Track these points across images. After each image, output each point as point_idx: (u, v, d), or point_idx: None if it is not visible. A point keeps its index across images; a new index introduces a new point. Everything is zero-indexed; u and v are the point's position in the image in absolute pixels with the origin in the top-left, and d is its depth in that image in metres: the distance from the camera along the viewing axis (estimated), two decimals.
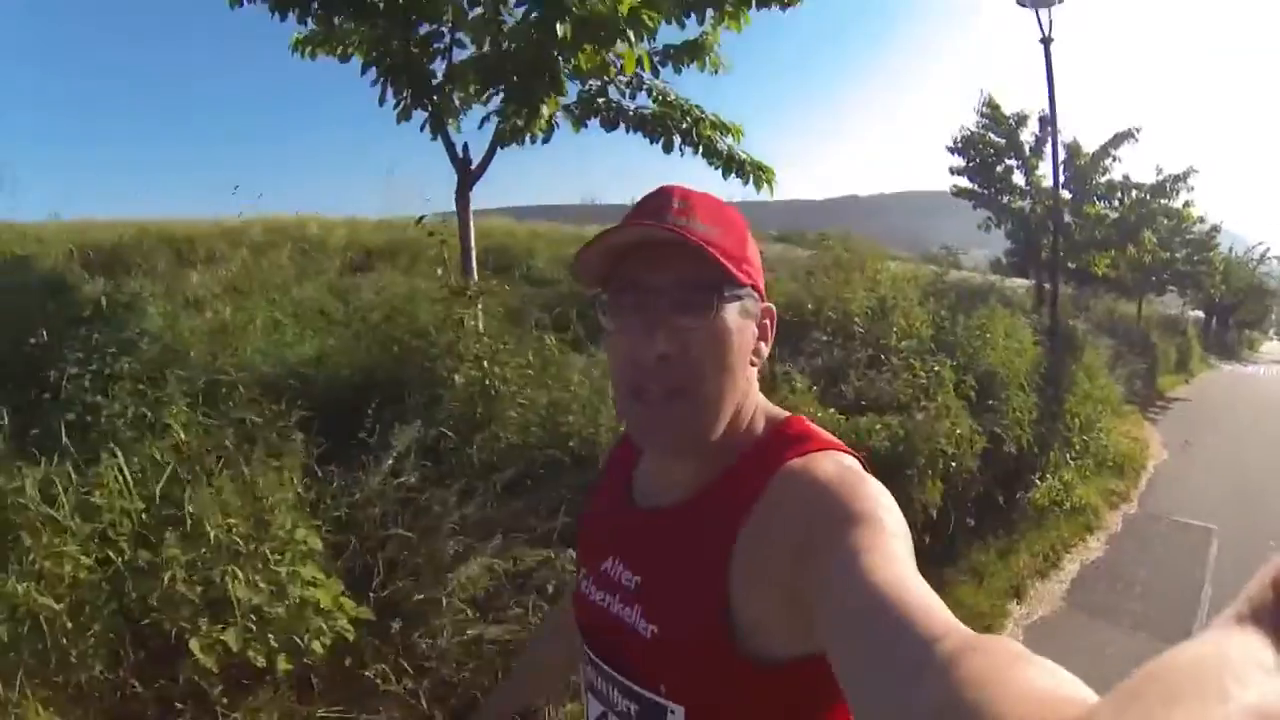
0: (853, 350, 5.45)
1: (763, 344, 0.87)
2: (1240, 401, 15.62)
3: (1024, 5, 8.96)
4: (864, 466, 0.81)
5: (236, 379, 3.59)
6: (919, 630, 0.52)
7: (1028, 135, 13.29)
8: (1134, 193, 13.56)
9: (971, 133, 13.38)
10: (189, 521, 2.77)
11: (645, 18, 3.34)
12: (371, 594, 2.95)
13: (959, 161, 13.52)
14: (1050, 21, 8.88)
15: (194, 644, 2.55)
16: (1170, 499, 7.27)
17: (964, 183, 13.67)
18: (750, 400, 0.87)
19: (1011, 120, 13.16)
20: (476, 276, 4.35)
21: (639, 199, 0.87)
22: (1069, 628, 4.40)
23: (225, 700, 2.60)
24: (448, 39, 3.90)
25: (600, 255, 0.82)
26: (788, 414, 0.90)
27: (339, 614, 2.81)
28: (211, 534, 2.72)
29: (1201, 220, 18.87)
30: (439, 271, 4.48)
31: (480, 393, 3.66)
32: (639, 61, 3.68)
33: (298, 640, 2.71)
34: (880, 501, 0.72)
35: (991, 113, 13.22)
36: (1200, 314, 30.82)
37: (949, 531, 4.69)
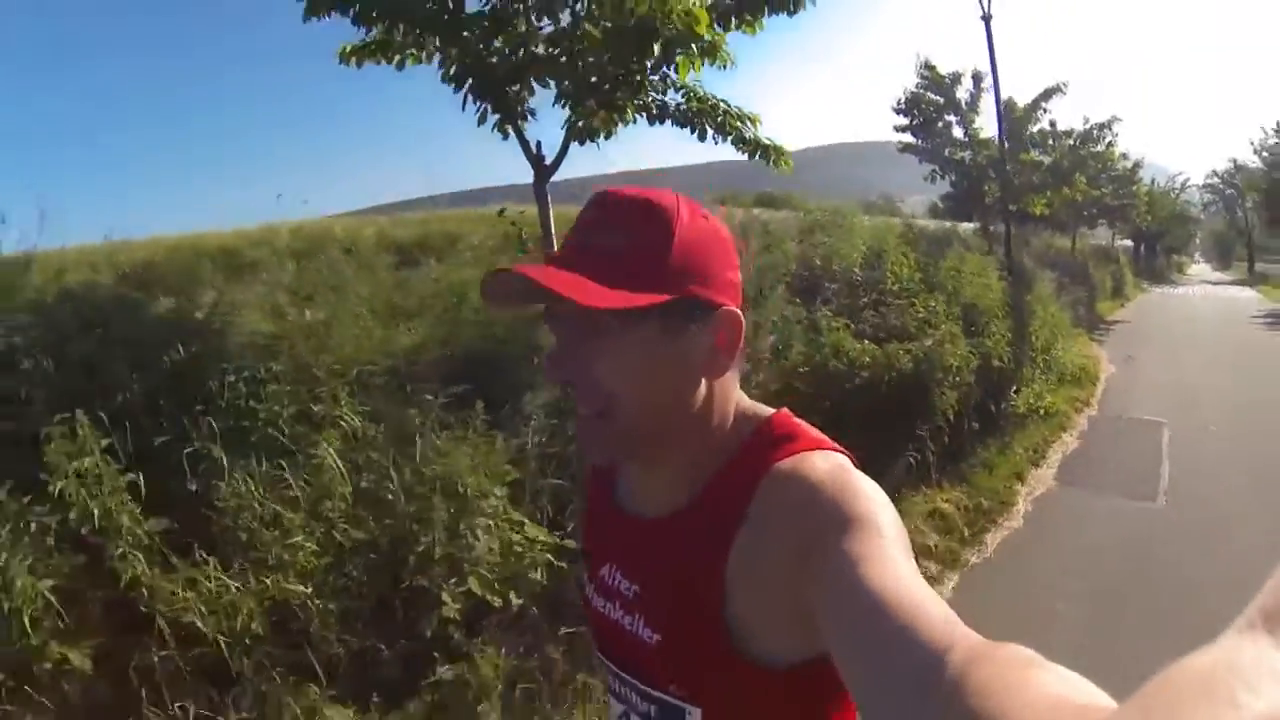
0: (858, 295, 6.51)
1: (720, 355, 0.81)
2: (1173, 319, 17.30)
3: None
4: (853, 463, 0.82)
5: (382, 369, 4.03)
6: (927, 638, 0.52)
7: (963, 92, 14.57)
8: (1065, 140, 14.96)
9: (913, 93, 14.57)
10: (436, 490, 3.21)
11: (711, 34, 4.24)
12: (559, 532, 3.41)
13: (903, 120, 14.72)
14: (989, 9, 10.00)
15: (445, 595, 2.98)
16: (1123, 402, 8.55)
17: (909, 139, 14.87)
18: (719, 408, 0.84)
19: (948, 79, 14.37)
20: None
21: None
22: (1063, 498, 5.55)
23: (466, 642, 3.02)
24: (523, 52, 4.60)
25: (493, 294, 0.82)
26: (772, 411, 0.88)
27: (545, 550, 3.29)
28: (466, 493, 3.19)
29: (1124, 158, 20.50)
30: (519, 257, 5.29)
31: None
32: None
33: (521, 577, 3.19)
34: (875, 501, 0.72)
35: (930, 74, 14.41)
36: (1129, 243, 32.82)
37: (963, 431, 5.80)
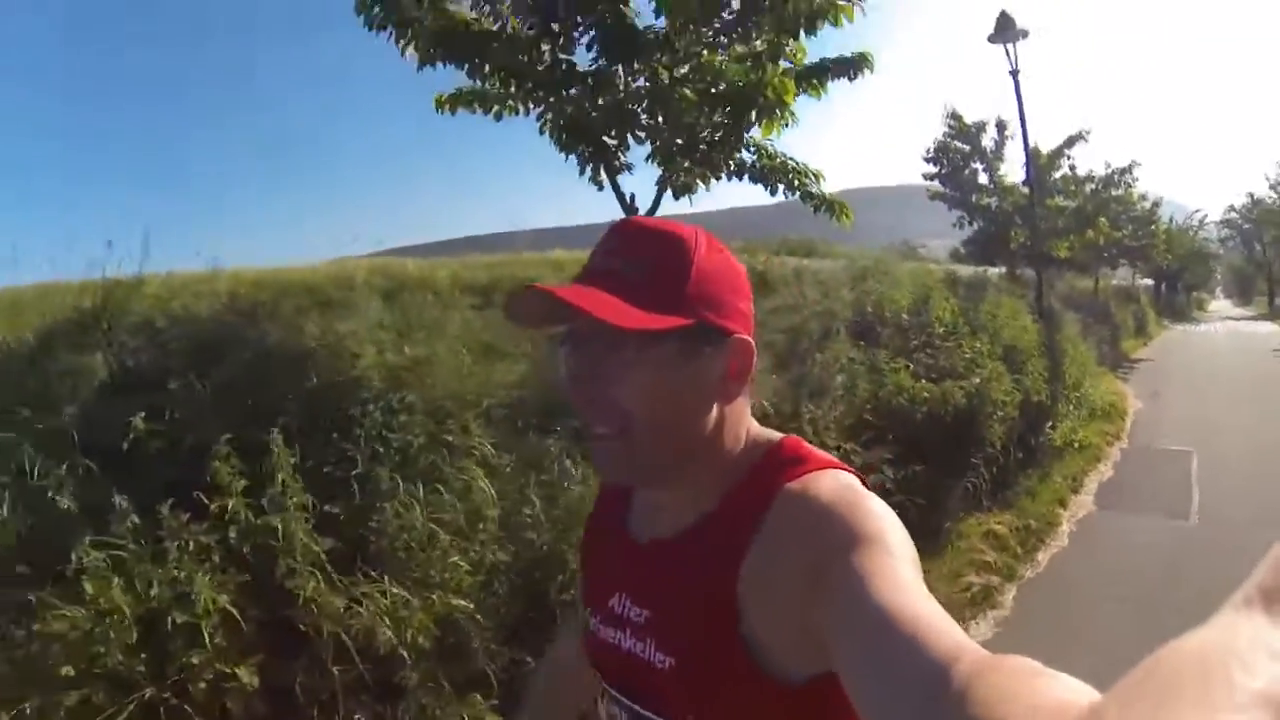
0: (908, 338, 7.19)
1: (731, 378, 0.85)
2: (1195, 355, 17.87)
3: (994, 42, 10.87)
4: (862, 484, 0.83)
5: (501, 401, 4.43)
6: (934, 652, 0.53)
7: (988, 140, 15.38)
8: (1086, 186, 15.73)
9: (941, 142, 15.40)
10: (574, 514, 3.47)
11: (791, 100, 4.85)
12: None
13: (932, 169, 15.53)
14: (1016, 55, 10.79)
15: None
16: (1151, 434, 9.13)
17: (937, 187, 15.66)
18: (730, 432, 0.87)
19: (973, 128, 15.20)
20: None
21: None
22: (1102, 520, 6.15)
23: None
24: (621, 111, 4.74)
25: (515, 313, 0.84)
26: (781, 436, 0.90)
27: None
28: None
29: (1143, 199, 21.23)
30: None
31: None
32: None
33: None
34: (885, 520, 0.74)
35: (956, 124, 15.24)
36: (1149, 282, 33.34)
37: (1009, 461, 6.45)
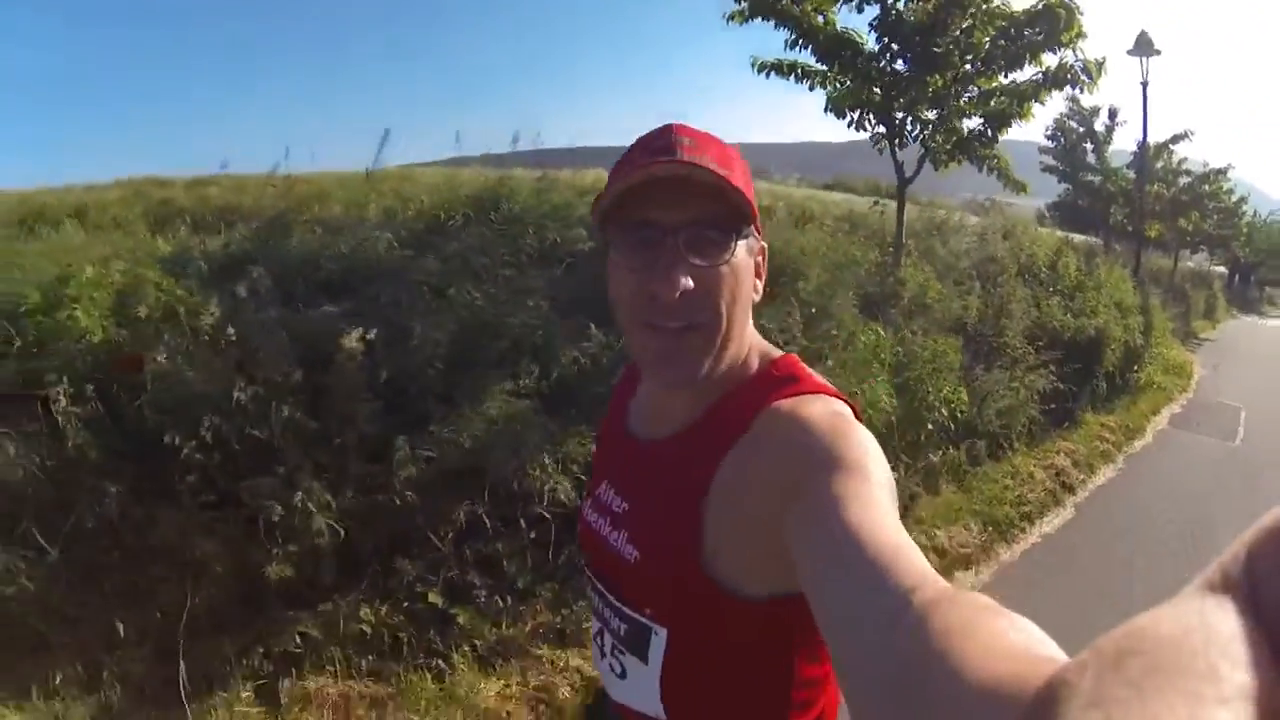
0: (1045, 285, 9.85)
1: (758, 280, 0.93)
2: (1257, 344, 20.30)
3: (1132, 54, 13.22)
4: (854, 414, 0.87)
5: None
6: (896, 579, 0.55)
7: (1100, 124, 17.76)
8: (1182, 179, 18.19)
9: (1060, 119, 17.81)
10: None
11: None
12: None
13: (1048, 142, 17.99)
14: (1148, 68, 13.17)
15: None
16: (1211, 392, 11.79)
17: (1050, 160, 18.13)
18: (746, 336, 0.93)
19: (1089, 112, 17.57)
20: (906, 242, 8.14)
21: (642, 136, 0.90)
22: (1173, 434, 8.92)
23: None
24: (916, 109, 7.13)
25: (616, 193, 0.85)
26: (781, 352, 0.96)
27: None
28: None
29: (1231, 193, 23.46)
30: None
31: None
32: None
33: None
34: (866, 448, 0.76)
35: (1074, 105, 17.59)
36: (1223, 270, 35.23)
37: (1114, 384, 9.23)
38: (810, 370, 0.94)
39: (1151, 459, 7.68)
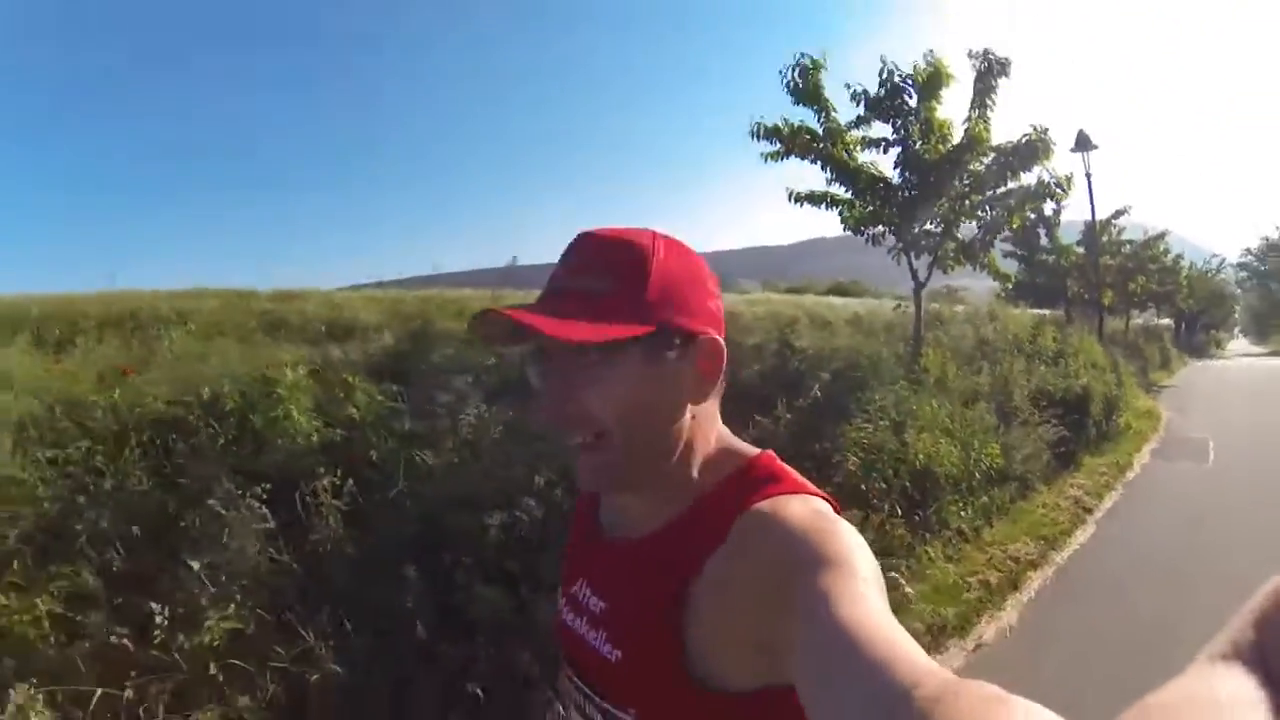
0: (1029, 356, 12.05)
1: (705, 381, 0.91)
2: (1212, 384, 22.90)
3: (1074, 152, 15.91)
4: (834, 509, 0.87)
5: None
6: (896, 673, 0.55)
7: (1049, 208, 20.50)
8: (1126, 248, 21.07)
9: None
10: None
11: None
12: None
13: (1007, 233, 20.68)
14: (1089, 162, 15.87)
15: None
16: (1180, 429, 14.00)
17: (1009, 247, 20.76)
18: (702, 438, 0.93)
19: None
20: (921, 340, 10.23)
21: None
22: (1155, 464, 10.99)
23: None
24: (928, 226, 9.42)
25: (483, 333, 0.91)
26: (757, 451, 0.95)
27: None
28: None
29: (1167, 251, 26.54)
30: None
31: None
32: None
33: None
34: (850, 544, 0.76)
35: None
36: (1170, 322, 38.34)
37: (1100, 430, 11.35)
38: (788, 469, 0.94)
39: (1144, 484, 9.73)
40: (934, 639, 4.85)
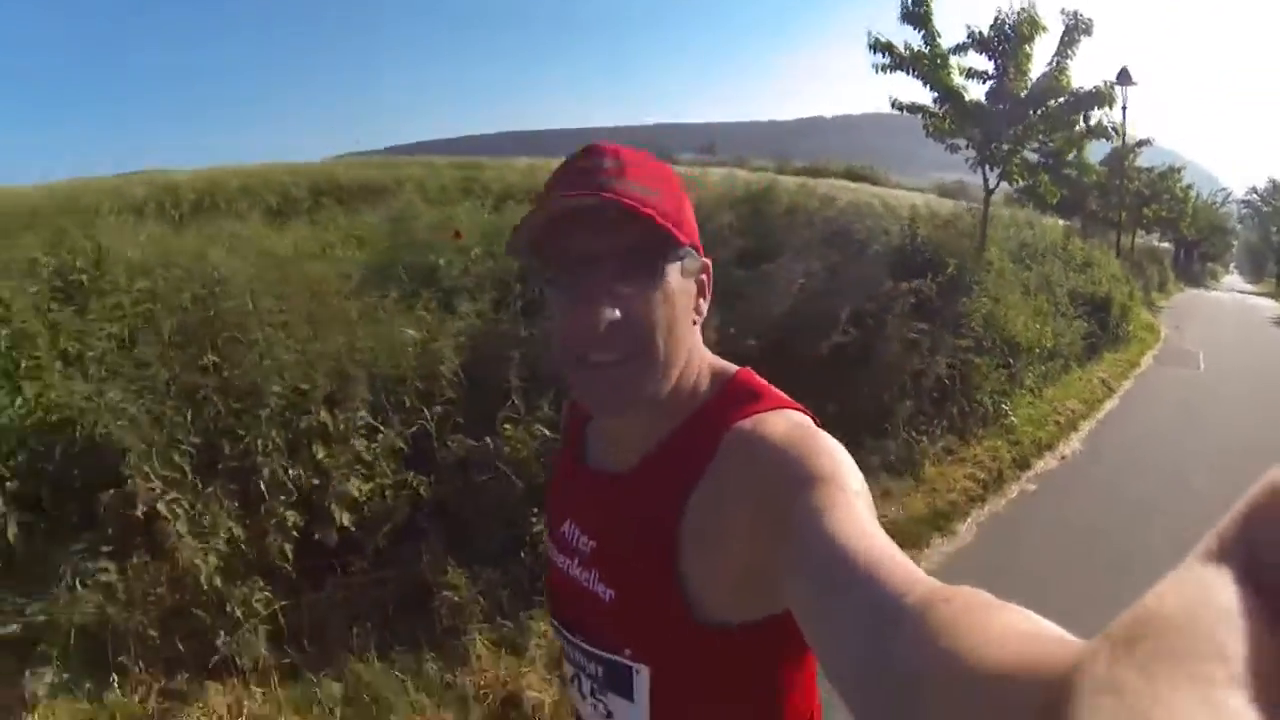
0: (1063, 260, 14.19)
1: (702, 300, 0.94)
2: (1206, 311, 25.52)
3: (1116, 84, 17.70)
4: (815, 423, 0.88)
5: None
6: (889, 582, 0.56)
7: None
8: (1145, 175, 23.26)
9: None
10: None
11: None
12: None
13: None
14: (1127, 96, 17.72)
15: None
16: (1177, 342, 16.40)
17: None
18: (695, 357, 0.94)
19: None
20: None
21: (569, 158, 0.90)
22: (1157, 368, 13.27)
23: None
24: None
25: (532, 228, 0.86)
26: (736, 368, 0.97)
27: None
28: None
29: (1180, 183, 28.70)
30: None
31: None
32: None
33: None
34: (837, 459, 0.79)
35: None
36: (1170, 246, 39.99)
37: (1115, 332, 13.68)
38: (768, 384, 0.95)
39: (1151, 378, 12.08)
40: (1037, 450, 7.30)
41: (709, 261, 0.95)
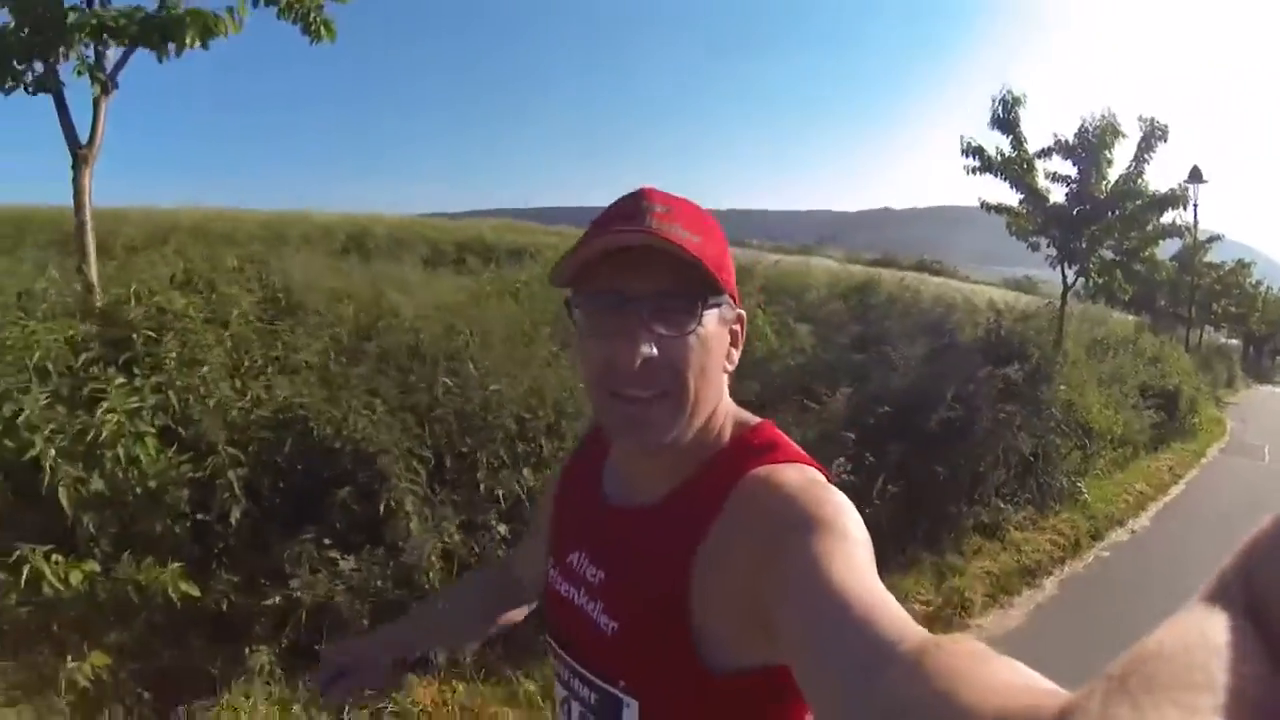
0: (1133, 359, 15.10)
1: (734, 350, 0.98)
2: (1275, 405, 25.91)
3: (1187, 183, 18.76)
4: (828, 479, 0.90)
5: None
6: (882, 630, 0.58)
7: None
8: (1212, 271, 24.13)
9: None
10: None
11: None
12: None
13: None
14: (1197, 193, 18.73)
15: None
16: (1243, 436, 17.10)
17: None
18: (722, 404, 0.97)
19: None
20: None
21: (616, 201, 0.93)
22: (1223, 458, 14.04)
23: None
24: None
25: (582, 261, 0.88)
26: (758, 420, 1.00)
27: None
28: None
29: (1250, 273, 29.37)
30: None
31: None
32: None
33: None
34: (843, 510, 0.81)
35: None
36: (1239, 343, 40.11)
37: (1182, 424, 14.50)
38: (787, 438, 0.98)
39: (1216, 468, 12.92)
40: (1109, 523, 8.28)
41: (744, 313, 0.99)
